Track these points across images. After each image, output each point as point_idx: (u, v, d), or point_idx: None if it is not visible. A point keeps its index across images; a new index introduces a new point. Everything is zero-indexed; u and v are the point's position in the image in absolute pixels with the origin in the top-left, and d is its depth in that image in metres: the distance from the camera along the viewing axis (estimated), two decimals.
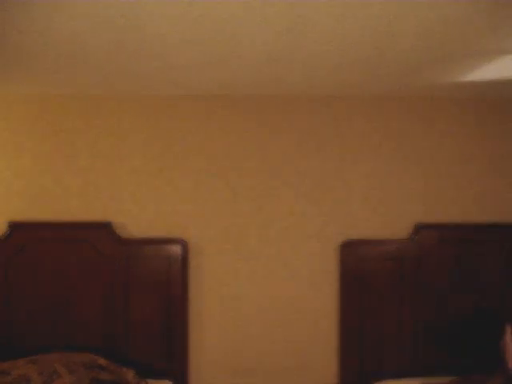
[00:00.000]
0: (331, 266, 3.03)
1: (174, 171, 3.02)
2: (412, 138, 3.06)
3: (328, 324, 3.03)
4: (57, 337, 2.87)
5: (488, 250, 2.98)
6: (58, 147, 2.99)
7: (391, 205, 3.05)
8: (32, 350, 2.81)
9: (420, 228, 2.97)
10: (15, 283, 2.88)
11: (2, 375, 2.43)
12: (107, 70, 2.49)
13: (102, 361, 2.64)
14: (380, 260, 2.95)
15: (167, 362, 2.88)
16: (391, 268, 2.95)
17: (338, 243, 3.02)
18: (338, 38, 2.01)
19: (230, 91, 2.95)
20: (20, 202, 2.97)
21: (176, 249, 2.90)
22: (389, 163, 3.05)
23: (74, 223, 2.93)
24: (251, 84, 2.78)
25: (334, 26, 1.88)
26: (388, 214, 3.04)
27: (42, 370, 2.47)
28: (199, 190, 3.02)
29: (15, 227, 2.88)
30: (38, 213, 2.97)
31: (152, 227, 3.00)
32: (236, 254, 3.02)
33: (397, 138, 3.06)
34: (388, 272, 2.95)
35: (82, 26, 1.88)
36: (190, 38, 2.02)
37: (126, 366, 2.80)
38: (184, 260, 2.91)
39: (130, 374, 2.62)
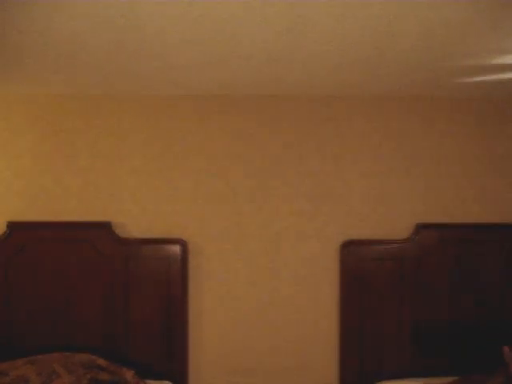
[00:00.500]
0: (331, 266, 3.03)
1: (174, 171, 3.01)
2: (412, 138, 3.06)
3: (328, 324, 3.03)
4: (57, 337, 2.87)
5: (488, 249, 2.98)
6: (58, 147, 2.99)
7: (391, 205, 3.04)
8: (32, 350, 2.80)
9: (420, 228, 2.97)
10: (15, 283, 2.87)
11: (0, 376, 2.42)
12: (107, 70, 2.49)
13: (101, 361, 2.63)
14: (380, 260, 2.95)
15: (167, 362, 2.89)
16: (391, 268, 2.95)
17: (338, 243, 3.02)
18: (338, 38, 2.01)
19: (229, 91, 2.95)
20: (20, 202, 2.97)
21: (176, 249, 2.90)
22: (389, 163, 3.05)
23: (74, 223, 2.93)
24: (251, 84, 2.78)
25: (334, 26, 1.88)
26: (388, 214, 3.04)
27: (40, 370, 2.47)
28: (199, 190, 3.02)
29: (15, 227, 2.88)
30: (38, 213, 2.97)
31: (152, 227, 3.00)
32: (236, 254, 3.02)
33: (397, 138, 3.05)
34: (388, 272, 2.95)
35: (82, 25, 1.88)
36: (190, 38, 2.02)
37: (125, 366, 2.79)
38: (184, 260, 2.91)
39: (129, 374, 2.62)
